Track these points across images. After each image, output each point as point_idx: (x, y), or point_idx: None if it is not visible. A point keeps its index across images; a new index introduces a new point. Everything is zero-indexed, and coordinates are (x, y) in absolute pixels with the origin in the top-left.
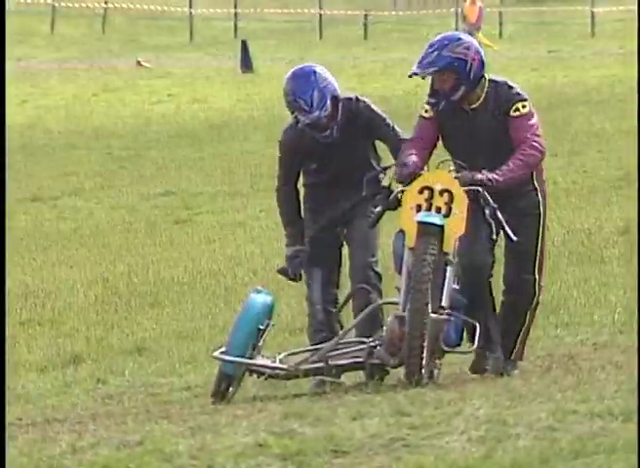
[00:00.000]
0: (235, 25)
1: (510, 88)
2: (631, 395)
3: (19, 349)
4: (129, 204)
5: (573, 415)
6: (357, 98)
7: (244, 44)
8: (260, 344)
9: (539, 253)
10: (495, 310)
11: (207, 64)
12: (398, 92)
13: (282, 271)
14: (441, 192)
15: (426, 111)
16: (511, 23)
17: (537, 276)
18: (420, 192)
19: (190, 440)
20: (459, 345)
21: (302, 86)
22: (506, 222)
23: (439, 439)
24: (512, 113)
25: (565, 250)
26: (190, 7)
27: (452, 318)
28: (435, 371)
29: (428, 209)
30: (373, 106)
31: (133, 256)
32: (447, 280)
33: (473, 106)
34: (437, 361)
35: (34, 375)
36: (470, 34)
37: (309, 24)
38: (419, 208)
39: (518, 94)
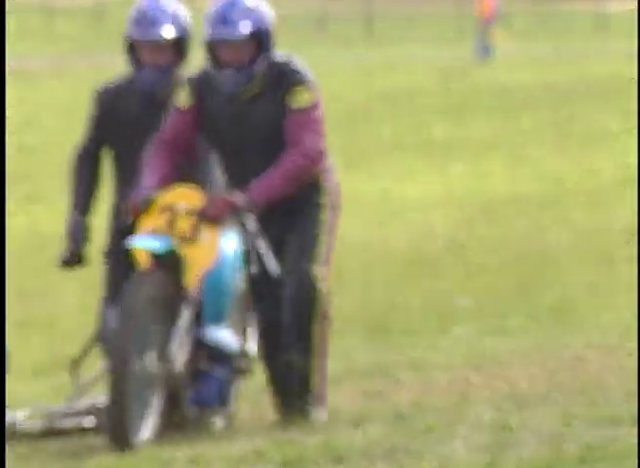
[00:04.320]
0: None
1: (294, 68)
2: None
3: (13, 351)
4: None
5: (579, 420)
6: None
7: None
8: None
9: (320, 247)
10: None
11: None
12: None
13: (65, 262)
14: (187, 213)
15: (184, 99)
16: (518, 19)
17: (315, 268)
18: (162, 212)
19: (188, 447)
20: (224, 404)
21: None
22: (286, 219)
23: (442, 445)
24: (291, 102)
25: (572, 251)
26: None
27: (178, 371)
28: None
29: (169, 233)
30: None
31: None
32: (181, 324)
33: (247, 81)
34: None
35: (29, 379)
36: (483, 29)
37: (311, 20)
38: (156, 230)
39: (302, 77)
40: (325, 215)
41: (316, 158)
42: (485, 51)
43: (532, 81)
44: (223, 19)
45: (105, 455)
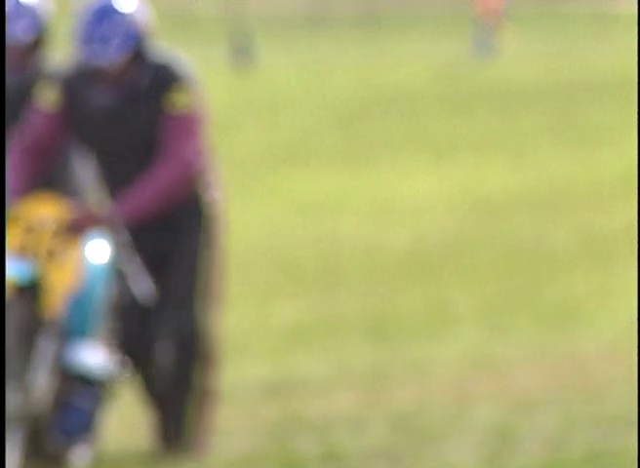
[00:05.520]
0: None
1: (172, 71)
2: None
3: None
4: None
5: (580, 421)
6: None
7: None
8: None
9: (204, 283)
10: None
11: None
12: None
13: None
14: (49, 228)
15: (50, 101)
16: (520, 18)
17: (201, 313)
18: (22, 228)
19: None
20: (89, 434)
21: None
22: (163, 238)
23: (442, 447)
24: (167, 107)
25: (572, 251)
26: None
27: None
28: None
29: (30, 253)
30: None
31: None
32: (43, 353)
33: (123, 92)
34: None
35: None
36: (487, 28)
37: (311, 20)
38: (18, 250)
39: (180, 80)
40: (208, 238)
41: (193, 168)
42: (487, 50)
43: (533, 81)
44: (94, 38)
45: (101, 459)
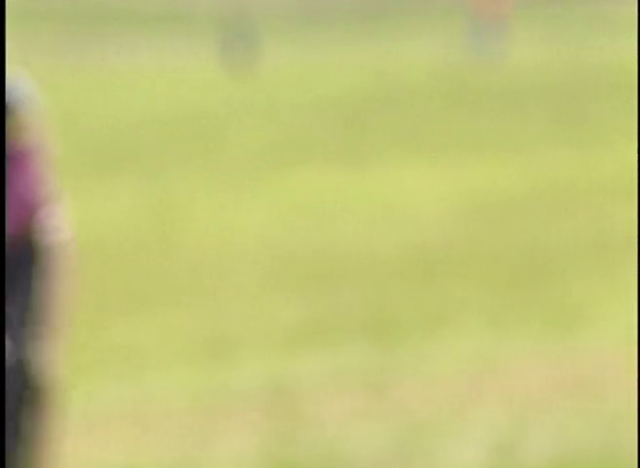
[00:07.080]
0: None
1: (6, 102)
2: None
3: None
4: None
5: (584, 422)
6: None
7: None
8: None
9: (40, 321)
10: None
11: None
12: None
13: None
14: None
15: None
16: (523, 15)
17: (38, 356)
18: None
19: (177, 452)
20: None
21: None
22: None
23: (445, 446)
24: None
25: (573, 251)
26: None
27: None
28: None
29: None
30: None
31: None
32: None
33: None
34: None
35: None
36: (485, 31)
37: (310, 19)
38: None
39: (14, 113)
40: (45, 275)
41: (27, 207)
42: (486, 48)
43: (534, 80)
44: None
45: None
